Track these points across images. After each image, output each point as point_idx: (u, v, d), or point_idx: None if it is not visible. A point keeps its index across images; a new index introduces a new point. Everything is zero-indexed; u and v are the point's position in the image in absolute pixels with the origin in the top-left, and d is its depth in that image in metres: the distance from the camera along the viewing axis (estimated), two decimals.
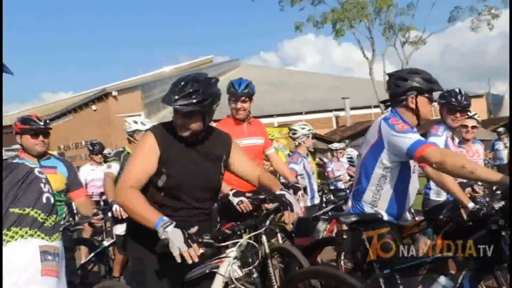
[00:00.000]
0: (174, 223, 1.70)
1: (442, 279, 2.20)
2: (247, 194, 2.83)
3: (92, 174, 5.66)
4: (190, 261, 1.65)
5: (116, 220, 3.60)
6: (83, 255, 4.43)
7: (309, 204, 4.43)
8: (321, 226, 4.61)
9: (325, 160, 9.00)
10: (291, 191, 2.59)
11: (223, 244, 1.93)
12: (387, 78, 2.42)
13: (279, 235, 3.31)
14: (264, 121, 3.98)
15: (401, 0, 30.26)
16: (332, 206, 4.71)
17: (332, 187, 6.70)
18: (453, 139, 3.15)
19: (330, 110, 25.13)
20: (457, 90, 3.10)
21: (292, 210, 1.95)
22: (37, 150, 2.75)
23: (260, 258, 2.13)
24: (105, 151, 6.46)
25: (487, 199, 2.59)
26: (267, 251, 2.62)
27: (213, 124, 2.46)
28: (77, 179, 3.05)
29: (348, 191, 5.07)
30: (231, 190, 2.86)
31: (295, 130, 4.57)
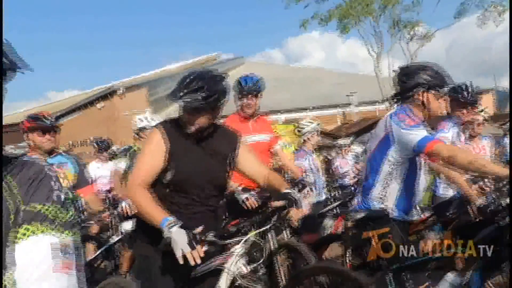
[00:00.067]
0: (179, 223, 1.72)
1: (450, 276, 2.20)
2: (254, 191, 2.83)
3: (99, 171, 5.69)
4: (193, 263, 1.66)
5: (123, 217, 3.62)
6: (90, 252, 4.46)
7: (315, 200, 4.43)
8: (327, 222, 4.60)
9: (331, 156, 8.98)
10: (297, 188, 2.59)
11: (227, 241, 1.94)
12: (394, 73, 2.40)
13: (285, 231, 3.31)
14: (270, 118, 3.99)
15: None
16: (339, 202, 4.70)
17: (338, 184, 6.69)
18: (460, 134, 3.13)
19: (336, 107, 25.01)
20: (466, 85, 3.08)
21: (298, 207, 1.95)
22: (45, 147, 2.78)
23: (267, 255, 2.14)
24: (113, 148, 6.49)
25: (494, 196, 2.58)
26: (274, 247, 2.62)
27: (220, 121, 2.46)
28: (85, 176, 3.07)
29: (354, 187, 5.05)
30: (238, 186, 2.86)
31: (302, 127, 4.57)
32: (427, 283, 2.32)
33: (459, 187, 2.68)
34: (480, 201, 2.53)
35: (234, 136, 2.18)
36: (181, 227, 1.71)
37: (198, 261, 1.67)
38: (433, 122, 2.47)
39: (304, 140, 4.59)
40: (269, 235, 2.61)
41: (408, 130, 2.12)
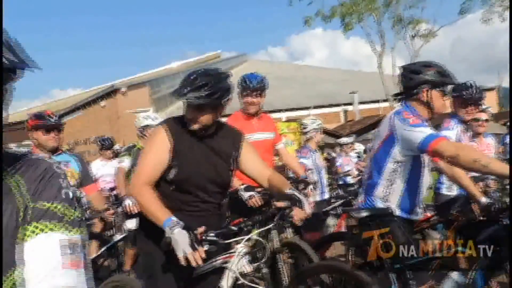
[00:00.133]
0: (181, 224, 1.72)
1: (454, 275, 2.19)
2: (258, 189, 2.83)
3: (102, 170, 5.69)
4: (194, 264, 1.67)
5: (127, 215, 3.63)
6: (93, 249, 4.47)
7: (318, 199, 4.43)
8: (331, 221, 4.60)
9: (333, 154, 8.97)
10: (300, 187, 2.57)
11: (227, 241, 1.94)
12: (399, 71, 2.38)
13: (288, 230, 3.31)
14: (272, 116, 3.98)
15: None
16: (342, 201, 4.70)
17: (340, 182, 6.68)
18: (465, 132, 3.12)
19: (339, 105, 24.95)
20: (470, 83, 3.06)
21: (301, 208, 1.94)
22: (49, 145, 2.78)
23: (270, 253, 2.14)
24: (115, 147, 6.50)
25: (499, 194, 2.57)
26: (277, 246, 2.62)
27: (223, 119, 2.46)
28: (89, 174, 3.08)
29: (356, 186, 5.04)
30: (241, 185, 2.86)
31: (305, 125, 4.56)
32: (430, 282, 2.31)
33: (464, 185, 2.67)
34: (484, 199, 2.52)
35: (238, 135, 2.17)
36: (183, 227, 1.71)
37: (200, 262, 1.68)
38: (436, 120, 2.46)
39: (308, 138, 4.58)
40: (272, 234, 2.62)
41: (412, 128, 2.11)
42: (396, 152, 2.21)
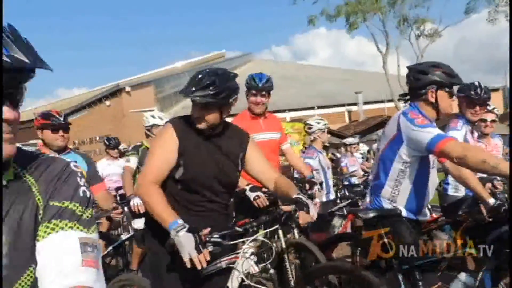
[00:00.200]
0: (187, 227, 1.73)
1: (463, 276, 2.18)
2: (264, 189, 2.83)
3: (108, 169, 5.72)
4: (199, 267, 1.68)
5: (134, 215, 3.64)
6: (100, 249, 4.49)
7: (324, 199, 4.42)
8: (337, 221, 4.60)
9: (338, 155, 8.96)
10: (307, 188, 2.56)
11: (233, 242, 1.94)
12: (406, 71, 2.38)
13: (295, 230, 3.31)
14: (276, 116, 3.98)
15: None
16: (348, 201, 4.69)
17: (346, 183, 6.67)
18: (472, 133, 3.10)
19: (343, 105, 24.89)
20: (477, 84, 3.04)
21: (307, 212, 1.94)
22: (57, 144, 2.80)
23: (276, 254, 2.14)
24: (120, 147, 6.53)
25: (506, 195, 2.55)
26: (284, 246, 2.62)
27: (230, 119, 2.47)
28: (96, 173, 3.09)
29: (362, 186, 5.03)
30: (247, 185, 2.86)
31: (311, 125, 4.56)
32: (438, 284, 2.31)
33: (471, 186, 2.65)
34: (492, 200, 2.50)
35: (245, 136, 2.18)
36: (188, 230, 1.72)
37: (204, 265, 1.69)
38: (442, 121, 2.45)
39: (314, 139, 4.58)
40: (279, 235, 2.62)
41: (420, 128, 2.11)
42: (403, 152, 2.20)
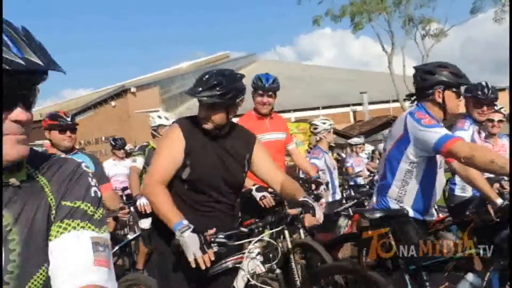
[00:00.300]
0: (191, 228, 1.74)
1: (470, 276, 2.17)
2: (270, 190, 2.83)
3: (114, 169, 5.75)
4: (203, 267, 1.69)
5: (140, 215, 3.66)
6: None
7: (330, 199, 4.42)
8: (342, 222, 4.58)
9: (343, 155, 8.94)
10: (313, 189, 2.54)
11: (238, 242, 1.95)
12: (413, 71, 2.37)
13: (301, 230, 3.31)
14: (281, 115, 3.99)
15: None
16: (354, 202, 4.67)
17: (351, 183, 6.65)
18: (479, 133, 3.09)
19: (348, 105, 24.84)
20: (484, 84, 3.03)
21: (313, 214, 1.94)
22: (64, 145, 2.82)
23: (282, 254, 2.14)
24: (126, 147, 6.56)
25: None
26: (290, 246, 2.62)
27: (236, 119, 2.47)
28: (103, 173, 3.10)
29: (368, 186, 5.02)
30: (254, 185, 2.87)
31: (316, 125, 4.55)
32: (445, 284, 2.30)
33: (479, 186, 2.63)
34: (500, 201, 2.49)
35: (251, 137, 2.18)
36: (193, 231, 1.74)
37: (208, 265, 1.71)
38: (449, 120, 2.45)
39: (320, 138, 4.57)
40: (285, 235, 2.62)
41: (427, 128, 2.10)
42: (410, 152, 2.20)
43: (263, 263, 2.01)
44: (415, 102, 2.36)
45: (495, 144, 3.59)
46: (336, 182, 4.65)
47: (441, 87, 2.21)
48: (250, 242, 1.99)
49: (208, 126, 1.98)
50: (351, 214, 4.55)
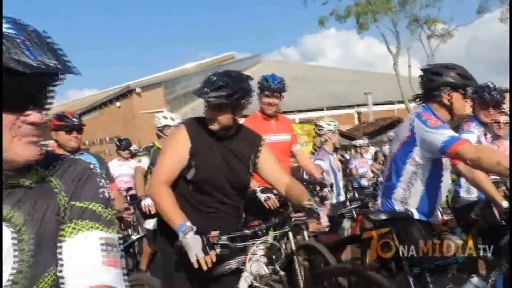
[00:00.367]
0: (194, 229, 1.75)
1: (475, 279, 2.16)
2: (275, 191, 2.83)
3: (119, 170, 5.77)
4: (205, 267, 1.70)
5: (145, 215, 3.67)
6: None
7: (334, 201, 4.40)
8: (346, 223, 4.57)
9: (347, 156, 8.91)
10: (318, 190, 2.52)
11: (241, 244, 1.95)
12: (419, 72, 2.36)
13: (305, 232, 3.30)
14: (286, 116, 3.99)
15: None
16: (359, 203, 4.66)
17: (355, 185, 6.63)
18: (485, 135, 3.07)
19: (352, 106, 24.77)
20: (490, 85, 3.01)
21: (318, 219, 1.94)
22: (71, 145, 2.83)
23: (286, 256, 2.14)
24: (131, 148, 6.59)
25: None
26: (293, 248, 2.62)
27: (241, 120, 2.47)
28: (109, 173, 3.12)
29: (372, 188, 5.00)
30: (258, 186, 2.87)
31: (321, 126, 4.55)
32: (449, 286, 2.29)
33: (484, 189, 2.62)
34: (506, 203, 2.47)
35: (257, 138, 2.18)
36: (196, 232, 1.75)
37: (210, 266, 1.72)
38: (455, 122, 2.43)
39: (325, 140, 4.56)
40: (288, 236, 2.61)
41: (433, 130, 2.09)
42: (416, 154, 2.19)
43: (266, 264, 2.00)
44: (422, 103, 2.35)
45: (501, 146, 3.56)
46: (341, 184, 4.64)
47: (448, 88, 2.20)
48: (254, 243, 1.99)
49: (215, 127, 1.99)
50: (355, 216, 4.54)
